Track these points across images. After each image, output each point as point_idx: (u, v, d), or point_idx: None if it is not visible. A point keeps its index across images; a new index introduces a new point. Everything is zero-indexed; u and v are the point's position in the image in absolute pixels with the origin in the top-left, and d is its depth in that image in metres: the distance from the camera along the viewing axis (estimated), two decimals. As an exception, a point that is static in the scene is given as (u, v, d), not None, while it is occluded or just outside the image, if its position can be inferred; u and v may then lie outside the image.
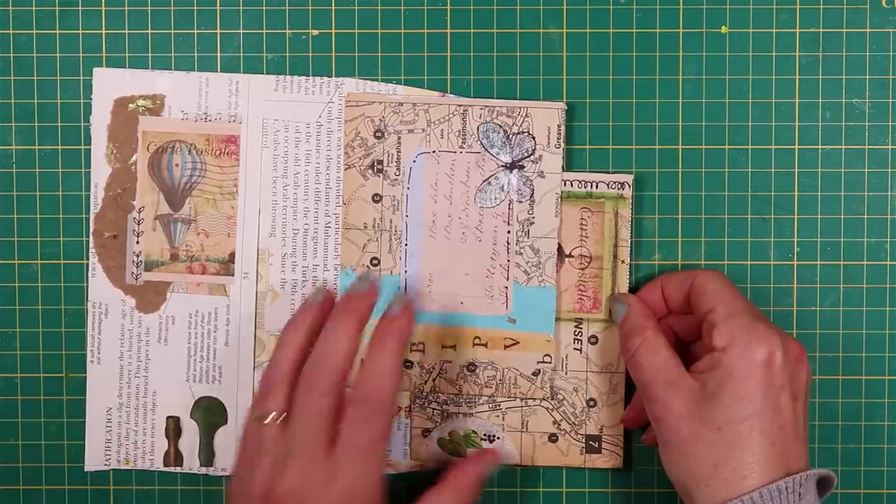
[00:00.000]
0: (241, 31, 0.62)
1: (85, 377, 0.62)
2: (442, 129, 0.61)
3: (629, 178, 0.61)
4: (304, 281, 0.62)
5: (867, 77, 0.61)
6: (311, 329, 0.57)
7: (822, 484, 0.53)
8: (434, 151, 0.61)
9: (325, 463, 0.53)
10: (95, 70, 0.61)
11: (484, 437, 0.62)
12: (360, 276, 0.60)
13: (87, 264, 0.62)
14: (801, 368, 0.54)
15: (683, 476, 0.53)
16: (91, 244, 0.62)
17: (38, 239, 0.62)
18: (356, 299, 0.57)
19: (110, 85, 0.61)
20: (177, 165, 0.61)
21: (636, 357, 0.55)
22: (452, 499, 0.57)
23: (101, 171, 0.62)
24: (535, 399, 0.61)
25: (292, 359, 0.56)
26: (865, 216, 0.61)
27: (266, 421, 0.54)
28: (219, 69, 0.62)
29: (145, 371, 0.62)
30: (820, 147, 0.61)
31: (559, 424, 0.62)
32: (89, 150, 0.62)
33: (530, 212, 0.61)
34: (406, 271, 0.61)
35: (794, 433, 0.53)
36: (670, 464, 0.54)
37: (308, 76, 0.61)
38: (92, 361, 0.62)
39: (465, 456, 0.61)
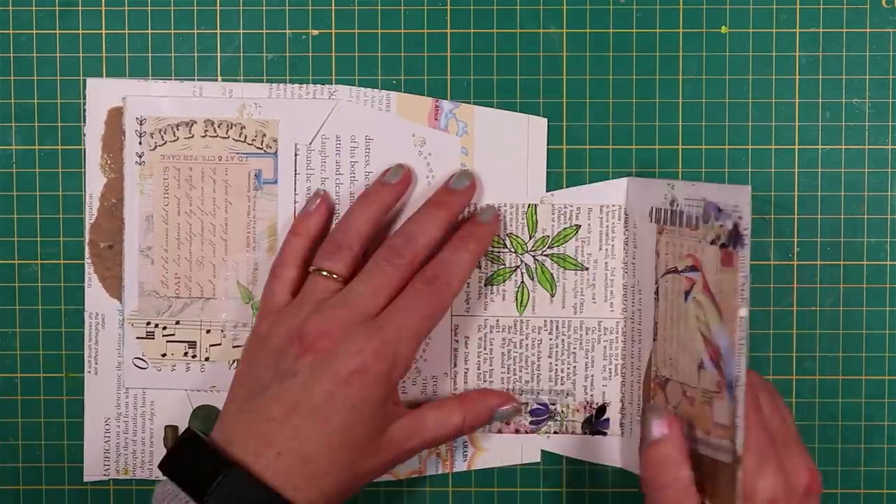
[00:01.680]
0: (241, 31, 0.62)
1: (84, 377, 0.62)
2: None
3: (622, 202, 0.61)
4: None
5: (867, 77, 0.61)
6: (385, 206, 0.59)
7: None
8: None
9: (371, 319, 0.54)
10: (89, 80, 0.61)
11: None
12: (461, 172, 0.60)
13: (84, 274, 0.62)
14: (809, 500, 0.52)
15: None
16: (87, 254, 0.62)
17: (38, 239, 0.62)
18: (456, 194, 0.59)
19: (104, 94, 0.61)
20: (177, 166, 0.62)
21: (663, 496, 0.53)
22: (463, 415, 0.58)
23: (95, 181, 0.62)
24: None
25: (364, 229, 0.58)
26: (865, 216, 0.61)
27: (325, 274, 0.56)
28: (219, 69, 0.62)
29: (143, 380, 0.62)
30: (820, 147, 0.61)
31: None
32: (90, 149, 0.62)
33: None
34: None
35: None
36: None
37: (301, 84, 0.61)
38: (89, 371, 0.62)
39: None
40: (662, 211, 0.57)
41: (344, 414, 0.53)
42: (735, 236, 0.51)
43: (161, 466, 0.53)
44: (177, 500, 0.51)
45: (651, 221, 0.58)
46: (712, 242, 0.52)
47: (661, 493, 0.53)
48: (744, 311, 0.50)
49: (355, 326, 0.54)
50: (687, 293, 0.55)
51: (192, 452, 0.53)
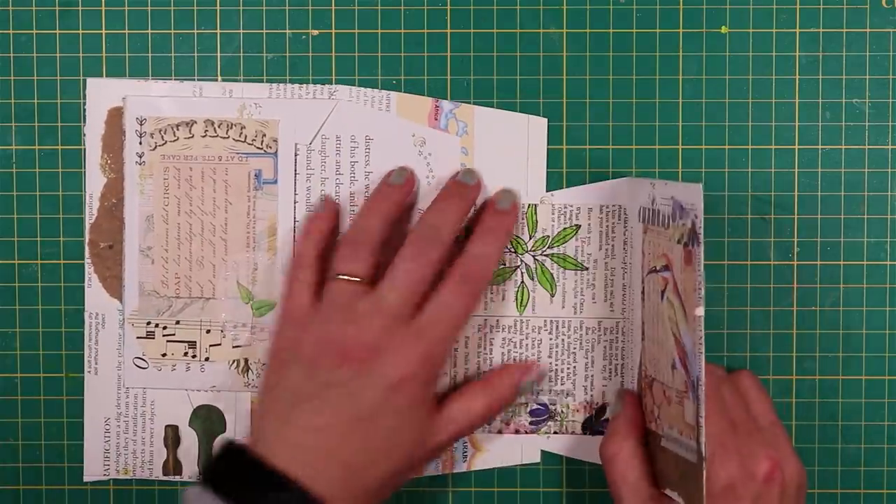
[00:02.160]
0: (241, 31, 0.62)
1: (84, 377, 0.62)
2: None
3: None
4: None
5: (867, 77, 0.61)
6: (396, 205, 0.59)
7: None
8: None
9: (409, 325, 0.55)
10: (89, 80, 0.61)
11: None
12: (466, 171, 0.60)
13: (84, 274, 0.62)
14: (771, 486, 0.53)
15: None
16: (87, 254, 0.62)
17: (38, 239, 0.62)
18: (468, 187, 0.59)
19: (104, 94, 0.61)
20: (176, 166, 0.62)
21: (611, 465, 0.56)
22: (486, 399, 0.58)
23: (95, 181, 0.62)
24: None
25: (379, 228, 0.58)
26: (865, 216, 0.61)
27: (348, 278, 0.56)
28: (219, 69, 0.62)
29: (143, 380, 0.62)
30: (820, 147, 0.61)
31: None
32: (90, 149, 0.62)
33: None
34: None
35: None
36: None
37: (301, 84, 0.61)
38: (89, 371, 0.62)
39: None
40: (646, 210, 0.57)
41: (392, 422, 0.54)
42: (692, 235, 0.51)
43: (205, 477, 0.53)
44: None
45: (639, 221, 0.58)
46: (678, 241, 0.53)
47: (607, 465, 0.56)
48: (700, 311, 0.50)
49: (394, 332, 0.54)
50: (662, 293, 0.55)
51: (239, 465, 0.53)
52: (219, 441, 0.55)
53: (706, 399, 0.53)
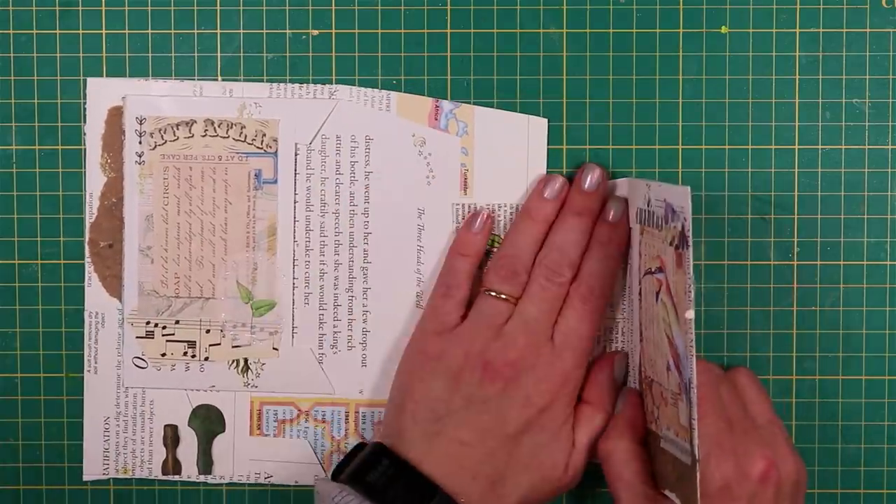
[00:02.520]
0: (241, 31, 0.62)
1: (84, 377, 0.62)
2: None
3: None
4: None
5: (867, 77, 0.61)
6: (548, 222, 0.59)
7: None
8: None
9: (550, 343, 0.56)
10: (89, 80, 0.61)
11: None
12: (590, 170, 0.60)
13: (84, 273, 0.62)
14: (766, 486, 0.54)
15: None
16: (86, 253, 0.62)
17: (38, 239, 0.62)
18: (591, 196, 0.59)
19: (104, 94, 0.61)
20: (176, 166, 0.62)
21: (608, 462, 0.57)
22: (600, 411, 0.59)
23: (95, 181, 0.62)
24: None
25: (532, 249, 0.59)
26: (865, 216, 0.61)
27: (502, 296, 0.58)
28: (219, 69, 0.62)
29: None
30: (820, 147, 0.61)
31: None
32: (90, 149, 0.62)
33: None
34: None
35: None
36: None
37: (302, 84, 0.61)
38: (89, 371, 0.62)
39: None
40: (642, 211, 0.57)
41: (534, 440, 0.55)
42: (682, 237, 0.51)
43: (349, 476, 0.55)
44: None
45: (636, 222, 0.58)
46: (670, 244, 0.53)
47: (604, 464, 0.57)
48: (690, 314, 0.50)
49: (538, 352, 0.56)
50: (657, 294, 0.55)
51: (390, 472, 0.55)
52: (368, 445, 0.57)
53: (703, 398, 0.53)
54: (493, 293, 0.58)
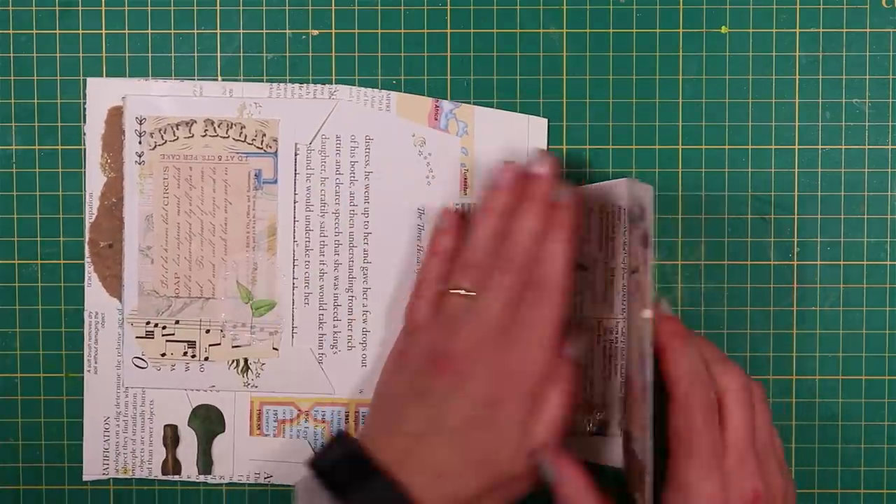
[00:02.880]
0: (241, 31, 0.62)
1: (84, 377, 0.62)
2: None
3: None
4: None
5: (867, 77, 0.61)
6: (503, 213, 0.58)
7: None
8: None
9: (503, 336, 0.55)
10: (89, 80, 0.61)
11: None
12: (540, 154, 0.59)
13: (84, 273, 0.62)
14: None
15: None
16: (86, 253, 0.62)
17: (38, 239, 0.62)
18: (540, 180, 0.57)
19: (104, 94, 0.62)
20: (176, 165, 0.62)
21: None
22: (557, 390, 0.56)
23: (95, 180, 0.62)
24: None
25: (489, 242, 0.57)
26: (865, 216, 0.61)
27: (461, 291, 0.56)
28: (219, 69, 0.62)
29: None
30: (820, 147, 0.61)
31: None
32: (90, 150, 0.62)
33: None
34: None
35: None
36: None
37: (302, 84, 0.61)
38: (89, 371, 0.62)
39: None
40: (630, 210, 0.57)
41: (484, 435, 0.54)
42: (644, 236, 0.51)
43: (311, 462, 0.54)
44: (320, 497, 0.52)
45: (627, 221, 0.58)
46: (640, 242, 0.53)
47: None
48: (647, 313, 0.50)
49: (489, 344, 0.55)
50: (633, 293, 0.55)
51: (343, 455, 0.54)
52: (335, 433, 0.56)
53: (703, 419, 0.53)
54: (452, 289, 0.57)
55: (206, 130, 0.61)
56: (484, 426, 0.54)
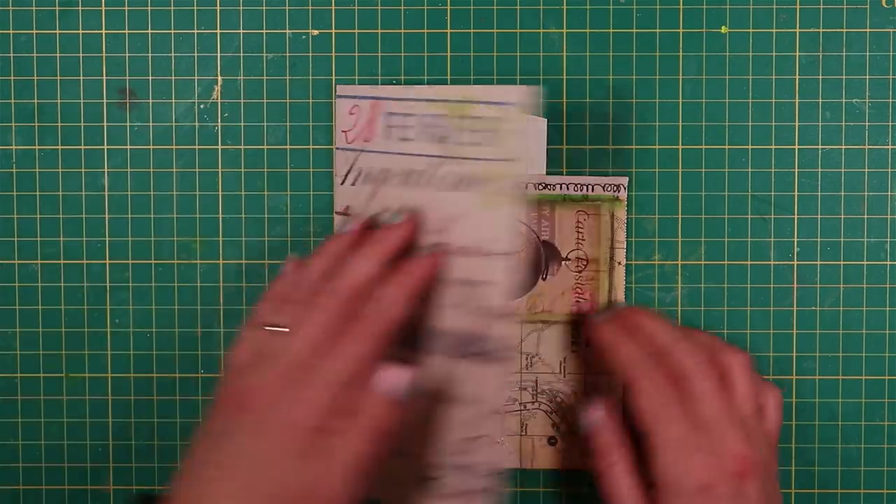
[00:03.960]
0: (241, 31, 0.62)
1: (84, 377, 0.62)
2: None
3: (624, 181, 0.61)
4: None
5: (867, 77, 0.61)
6: (334, 256, 0.56)
7: None
8: None
9: (302, 370, 0.52)
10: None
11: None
12: (399, 210, 0.58)
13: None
14: (745, 482, 0.53)
15: None
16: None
17: (38, 239, 0.62)
18: (388, 230, 0.57)
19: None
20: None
21: (606, 477, 0.56)
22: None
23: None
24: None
25: (314, 283, 0.55)
26: (865, 216, 0.61)
27: (268, 328, 0.54)
28: (219, 69, 0.62)
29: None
30: (820, 147, 0.61)
31: (558, 427, 0.62)
32: (89, 150, 0.62)
33: None
34: None
35: None
36: None
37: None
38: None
39: None
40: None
41: (282, 472, 0.51)
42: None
43: None
44: None
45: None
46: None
47: (606, 478, 0.56)
48: None
49: (286, 380, 0.52)
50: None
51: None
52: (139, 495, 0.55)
53: (659, 403, 0.54)
54: (267, 326, 0.54)
55: None
56: (272, 463, 0.51)
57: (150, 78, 0.62)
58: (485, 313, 0.57)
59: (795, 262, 0.62)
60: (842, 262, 0.62)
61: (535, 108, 0.59)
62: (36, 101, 0.62)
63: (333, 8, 0.62)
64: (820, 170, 0.61)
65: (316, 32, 0.62)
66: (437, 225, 0.58)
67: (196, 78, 0.62)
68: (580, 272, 0.61)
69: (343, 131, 0.61)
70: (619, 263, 0.61)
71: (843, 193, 0.61)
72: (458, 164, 0.58)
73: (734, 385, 0.56)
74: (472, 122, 0.58)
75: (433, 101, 0.59)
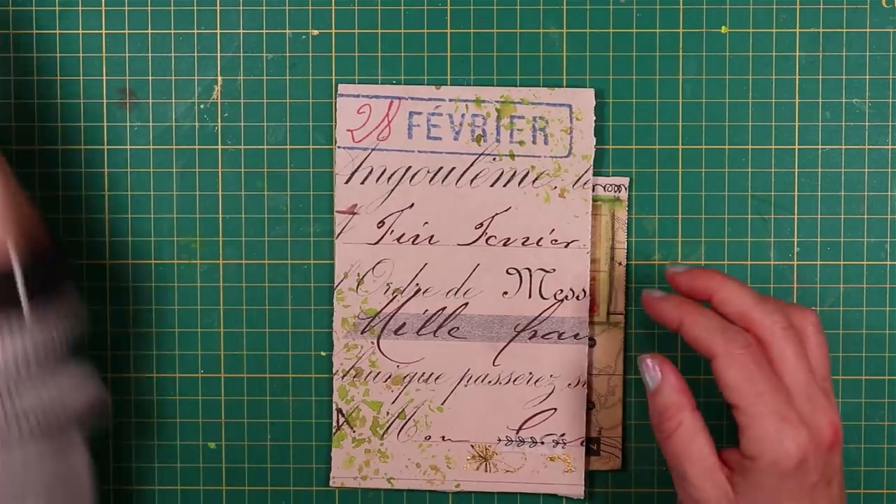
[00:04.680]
0: (241, 31, 0.62)
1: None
2: None
3: (625, 181, 0.61)
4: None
5: (867, 77, 0.61)
6: None
7: None
8: None
9: None
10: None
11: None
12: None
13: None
14: (833, 452, 0.52)
15: None
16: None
17: (39, 239, 0.62)
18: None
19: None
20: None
21: (672, 441, 0.53)
22: None
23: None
24: None
25: None
26: (865, 216, 0.61)
27: None
28: (219, 69, 0.62)
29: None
30: (820, 147, 0.61)
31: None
32: (89, 150, 0.62)
33: None
34: None
35: None
36: None
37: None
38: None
39: None
40: None
41: None
42: None
43: None
44: None
45: None
46: None
47: (673, 442, 0.53)
48: None
49: None
50: None
51: None
52: None
53: (744, 357, 0.51)
54: None
55: None
56: None
57: (150, 78, 0.62)
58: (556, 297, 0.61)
59: (795, 262, 0.62)
60: (842, 262, 0.62)
61: (587, 108, 0.60)
62: (36, 101, 0.62)
63: (333, 8, 0.62)
64: (820, 170, 0.61)
65: (316, 32, 0.62)
66: (479, 219, 0.61)
67: (196, 78, 0.62)
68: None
69: (349, 130, 0.61)
70: (620, 264, 0.61)
71: (843, 193, 0.61)
72: (504, 161, 0.61)
73: (811, 348, 0.54)
74: (517, 121, 0.61)
75: (468, 101, 0.61)
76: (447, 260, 0.61)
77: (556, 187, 0.61)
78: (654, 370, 0.54)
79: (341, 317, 0.62)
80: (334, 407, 0.62)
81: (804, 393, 0.52)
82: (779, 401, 0.51)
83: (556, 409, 0.61)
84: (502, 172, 0.61)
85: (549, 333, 0.61)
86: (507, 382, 0.61)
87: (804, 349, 0.53)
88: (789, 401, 0.52)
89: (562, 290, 0.61)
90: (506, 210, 0.61)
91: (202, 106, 0.62)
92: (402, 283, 0.61)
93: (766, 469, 0.51)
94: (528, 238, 0.61)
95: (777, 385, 0.52)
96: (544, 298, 0.61)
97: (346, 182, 0.61)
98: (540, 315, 0.61)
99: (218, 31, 0.62)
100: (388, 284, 0.61)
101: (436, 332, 0.61)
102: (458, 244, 0.61)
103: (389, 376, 0.61)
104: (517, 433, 0.61)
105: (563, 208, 0.61)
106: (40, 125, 0.62)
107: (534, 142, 0.60)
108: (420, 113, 0.61)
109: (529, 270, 0.61)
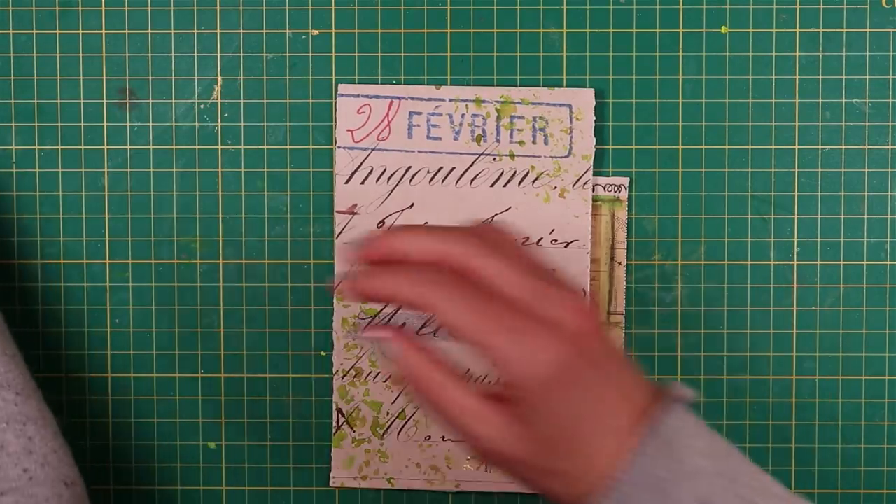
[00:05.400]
0: (241, 31, 0.62)
1: (85, 377, 0.62)
2: None
3: (625, 181, 0.61)
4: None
5: (867, 77, 0.61)
6: None
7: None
8: None
9: None
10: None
11: None
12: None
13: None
14: (594, 335, 0.46)
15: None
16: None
17: (38, 239, 0.62)
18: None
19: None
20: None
21: (441, 401, 0.47)
22: None
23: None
24: None
25: None
26: (865, 216, 0.61)
27: None
28: (219, 69, 0.62)
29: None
30: (820, 147, 0.61)
31: None
32: (89, 150, 0.62)
33: None
34: None
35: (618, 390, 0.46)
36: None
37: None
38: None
39: None
40: None
41: None
42: None
43: None
44: None
45: None
46: None
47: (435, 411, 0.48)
48: None
49: None
50: None
51: None
52: None
53: (441, 286, 0.46)
54: None
55: None
56: None
57: (150, 78, 0.62)
58: None
59: (795, 262, 0.62)
60: (842, 262, 0.62)
61: (587, 108, 0.60)
62: (36, 101, 0.62)
63: (333, 8, 0.62)
64: (820, 170, 0.61)
65: (316, 32, 0.62)
66: (479, 219, 0.60)
67: (196, 78, 0.62)
68: (580, 272, 0.62)
69: (349, 130, 0.61)
70: (620, 263, 0.61)
71: (843, 193, 0.61)
72: (504, 161, 0.61)
73: (509, 251, 0.48)
74: (517, 121, 0.61)
75: (468, 101, 0.61)
76: None
77: (556, 187, 0.61)
78: (392, 344, 0.48)
79: (341, 317, 0.62)
80: (334, 407, 0.62)
81: (529, 296, 0.46)
82: (508, 317, 0.46)
83: None
84: (502, 172, 0.61)
85: None
86: None
87: (505, 256, 0.47)
88: (519, 312, 0.46)
89: None
90: (506, 210, 0.61)
91: (202, 106, 0.62)
92: None
93: (532, 388, 0.45)
94: (528, 238, 0.61)
95: (499, 303, 0.46)
96: None
97: (346, 182, 0.61)
98: None
99: (218, 31, 0.62)
100: None
101: (436, 331, 0.61)
102: None
103: (389, 376, 0.61)
104: None
105: (563, 208, 0.61)
106: (40, 125, 0.62)
107: (534, 142, 0.61)
108: (420, 113, 0.61)
109: None
